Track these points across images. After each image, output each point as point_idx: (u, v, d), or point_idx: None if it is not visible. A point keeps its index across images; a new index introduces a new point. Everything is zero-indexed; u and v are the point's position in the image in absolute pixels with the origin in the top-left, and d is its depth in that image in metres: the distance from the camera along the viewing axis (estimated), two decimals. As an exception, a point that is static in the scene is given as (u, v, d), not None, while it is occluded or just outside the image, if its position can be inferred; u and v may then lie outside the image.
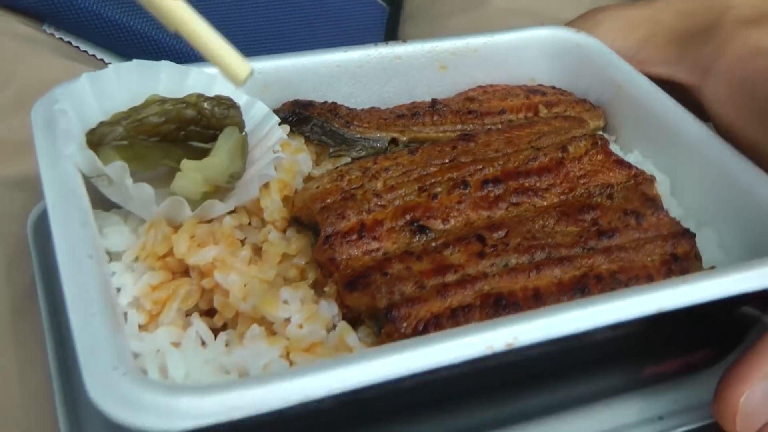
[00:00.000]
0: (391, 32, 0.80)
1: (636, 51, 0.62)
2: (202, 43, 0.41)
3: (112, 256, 0.48)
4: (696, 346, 0.47)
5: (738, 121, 0.55)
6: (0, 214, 0.57)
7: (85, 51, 0.70)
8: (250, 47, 0.55)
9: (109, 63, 0.69)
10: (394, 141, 0.55)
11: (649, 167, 0.55)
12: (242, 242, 0.49)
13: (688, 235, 0.48)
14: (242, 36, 0.67)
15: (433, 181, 0.50)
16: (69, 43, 0.71)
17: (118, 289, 0.46)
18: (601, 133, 0.59)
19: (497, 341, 0.38)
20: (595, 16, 0.66)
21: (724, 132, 0.57)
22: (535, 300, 0.43)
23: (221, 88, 0.53)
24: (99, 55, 0.69)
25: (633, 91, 0.58)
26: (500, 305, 0.43)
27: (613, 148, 0.58)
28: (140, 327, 0.45)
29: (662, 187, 0.54)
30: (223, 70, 0.41)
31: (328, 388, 0.36)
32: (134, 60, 0.52)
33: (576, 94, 0.61)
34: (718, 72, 0.55)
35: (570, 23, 0.66)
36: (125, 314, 0.45)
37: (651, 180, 0.51)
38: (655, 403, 0.48)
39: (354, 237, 0.46)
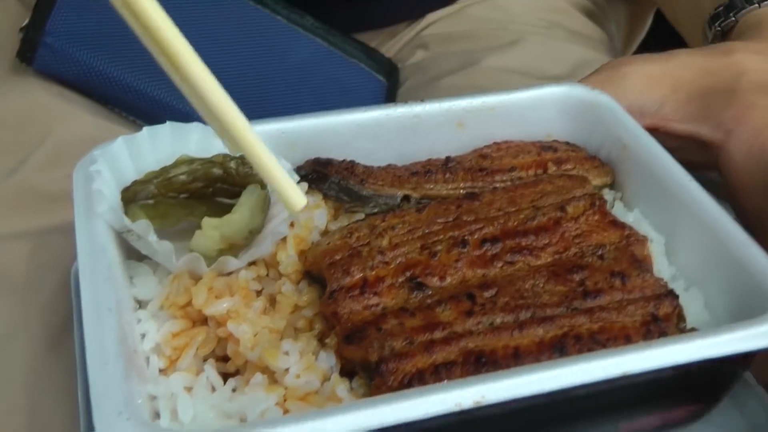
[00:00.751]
0: (391, 102, 0.84)
1: (659, 106, 0.64)
2: (268, 172, 0.44)
3: (141, 303, 0.52)
4: (675, 403, 0.49)
5: (749, 188, 0.57)
6: (43, 260, 0.63)
7: (118, 112, 0.75)
8: (264, 111, 0.59)
9: (140, 122, 0.75)
10: (406, 198, 0.58)
11: (646, 226, 0.57)
12: (259, 292, 0.53)
13: (671, 296, 0.50)
14: (256, 102, 0.72)
15: (435, 239, 0.53)
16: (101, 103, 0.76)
17: (143, 335, 0.50)
18: (608, 190, 0.61)
19: (466, 399, 0.41)
20: (621, 68, 0.68)
21: (735, 194, 0.59)
22: (515, 358, 0.46)
23: (247, 148, 0.57)
24: (131, 117, 0.74)
25: (637, 150, 0.59)
26: (480, 363, 0.45)
27: (618, 205, 0.60)
28: (160, 371, 0.49)
29: (657, 246, 0.55)
30: (283, 199, 0.44)
31: (304, 440, 0.39)
32: (167, 122, 0.56)
33: (589, 150, 0.64)
34: (740, 138, 0.57)
35: (596, 72, 0.69)
36: (147, 359, 0.49)
37: (643, 241, 0.53)
38: None
39: (356, 292, 0.50)
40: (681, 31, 0.87)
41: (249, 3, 0.79)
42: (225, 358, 0.51)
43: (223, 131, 0.42)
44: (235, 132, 0.42)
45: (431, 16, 0.94)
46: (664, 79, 0.65)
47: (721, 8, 0.72)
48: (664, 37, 0.91)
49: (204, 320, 0.51)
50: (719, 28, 0.73)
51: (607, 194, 0.61)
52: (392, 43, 0.95)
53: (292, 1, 0.83)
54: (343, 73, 0.68)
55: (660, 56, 0.66)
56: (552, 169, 0.61)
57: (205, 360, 0.50)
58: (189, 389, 0.48)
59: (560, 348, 0.47)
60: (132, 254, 0.54)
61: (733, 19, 0.71)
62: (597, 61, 0.87)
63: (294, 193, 0.44)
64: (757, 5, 0.71)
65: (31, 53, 0.73)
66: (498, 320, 0.48)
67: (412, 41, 0.93)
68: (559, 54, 0.88)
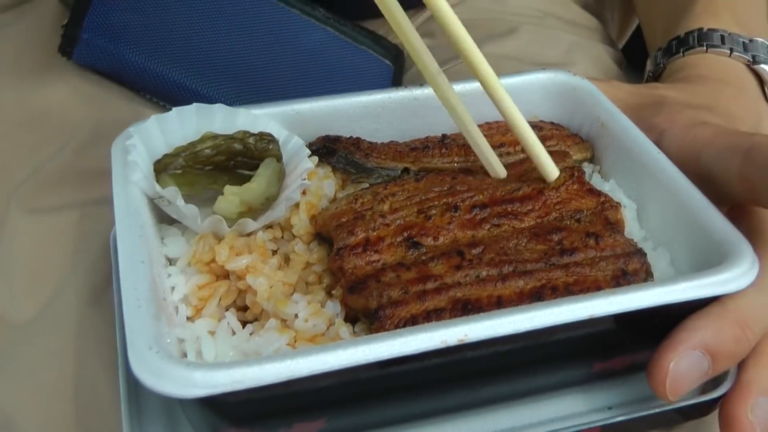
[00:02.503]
0: (396, 86, 0.87)
1: None
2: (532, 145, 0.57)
3: (171, 260, 0.56)
4: (640, 347, 0.52)
5: None
6: (87, 228, 0.67)
7: (149, 98, 0.79)
8: (279, 94, 0.62)
9: (169, 107, 0.79)
10: (406, 170, 0.61)
11: (620, 194, 0.60)
12: (275, 252, 0.57)
13: (640, 254, 0.53)
14: (273, 86, 0.75)
15: (430, 205, 0.56)
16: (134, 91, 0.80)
17: (173, 288, 0.53)
18: (587, 163, 0.64)
19: (451, 337, 0.44)
20: None
21: None
22: (497, 306, 0.49)
23: (264, 125, 0.60)
24: (161, 102, 0.78)
25: (613, 127, 0.62)
26: (466, 309, 0.49)
27: (595, 177, 0.63)
28: (188, 318, 0.53)
29: (629, 212, 0.59)
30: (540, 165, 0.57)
31: (310, 369, 0.42)
32: (194, 104, 0.60)
33: (571, 129, 0.66)
34: (673, 135, 0.60)
35: None
36: (177, 308, 0.53)
37: (616, 207, 0.56)
38: (605, 395, 0.53)
39: (360, 250, 0.53)
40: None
41: (266, -1, 0.83)
42: (244, 308, 0.54)
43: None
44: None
45: None
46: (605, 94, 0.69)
47: (674, 41, 0.76)
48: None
49: (226, 274, 0.54)
50: (660, 64, 0.77)
51: (587, 167, 0.64)
52: None
53: None
54: (353, 59, 0.70)
55: (602, 81, 0.70)
56: (537, 145, 0.64)
57: (226, 309, 0.54)
58: (212, 333, 0.51)
59: (538, 297, 0.49)
60: (163, 219, 0.57)
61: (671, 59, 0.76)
62: (589, 47, 0.91)
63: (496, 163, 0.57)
64: (681, 54, 0.75)
65: (71, 48, 0.76)
66: (483, 273, 0.51)
67: (419, 29, 0.95)
68: (552, 41, 0.90)
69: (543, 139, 0.63)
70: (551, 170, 0.57)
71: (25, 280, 0.66)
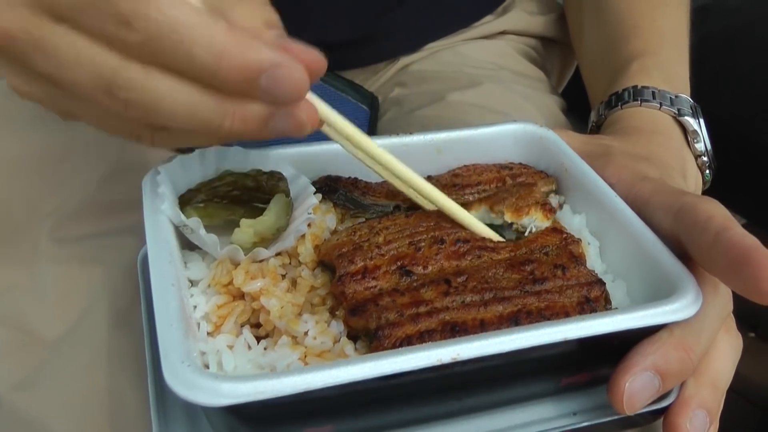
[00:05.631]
0: (372, 128, 0.89)
1: None
2: (460, 216, 0.58)
3: (193, 282, 0.57)
4: (601, 364, 0.54)
5: None
6: (111, 254, 0.68)
7: None
8: (280, 139, 0.63)
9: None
10: (397, 207, 0.63)
11: (586, 233, 0.62)
12: (283, 276, 0.58)
13: (600, 283, 0.55)
14: None
15: (419, 238, 0.57)
16: None
17: (195, 306, 0.54)
18: (553, 195, 0.66)
19: (445, 355, 0.46)
20: None
21: None
22: (481, 327, 0.50)
23: (274, 165, 0.61)
24: None
25: (575, 173, 0.64)
26: (454, 331, 0.50)
27: (566, 208, 0.65)
28: (208, 333, 0.53)
29: (593, 248, 0.60)
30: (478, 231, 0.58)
31: (324, 382, 0.44)
32: (213, 146, 0.61)
33: (537, 171, 0.68)
34: (620, 189, 0.62)
35: None
36: (198, 324, 0.54)
37: (578, 242, 0.58)
38: (571, 403, 0.55)
39: (359, 277, 0.54)
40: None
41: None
42: (258, 325, 0.55)
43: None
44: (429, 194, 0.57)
45: (406, 59, 0.99)
46: None
47: (614, 96, 0.79)
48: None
49: (242, 296, 0.55)
50: (602, 115, 0.80)
51: (553, 198, 0.65)
52: (374, 80, 0.98)
53: None
54: (334, 104, 0.72)
55: (560, 130, 0.72)
56: (509, 182, 0.66)
57: (242, 326, 0.54)
58: (231, 347, 0.52)
59: (516, 320, 0.51)
60: (185, 245, 0.58)
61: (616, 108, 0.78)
62: (537, 97, 0.94)
63: (483, 228, 0.58)
64: (619, 107, 0.77)
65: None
66: (468, 299, 0.52)
67: (392, 79, 0.97)
68: (507, 91, 0.92)
69: (513, 177, 0.65)
70: (491, 235, 0.59)
71: (56, 302, 0.66)
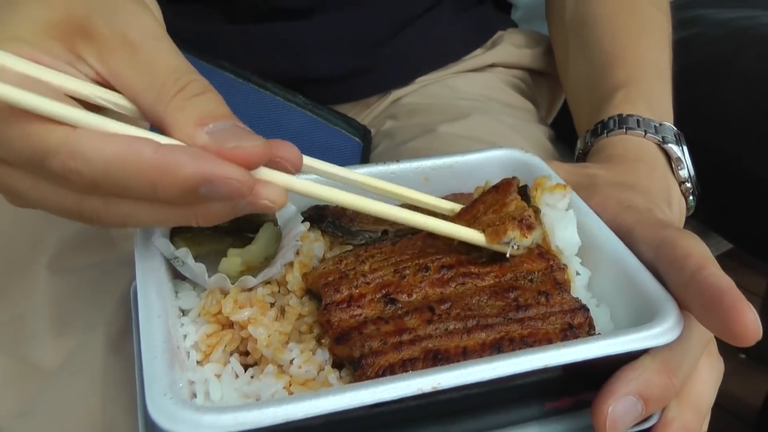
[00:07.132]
0: (365, 160, 0.87)
1: None
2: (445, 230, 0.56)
3: (184, 311, 0.55)
4: (585, 389, 0.51)
5: None
6: (105, 284, 0.66)
7: None
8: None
9: None
10: (385, 231, 0.61)
11: (574, 263, 0.59)
12: (272, 304, 0.56)
13: (583, 309, 0.53)
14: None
15: (404, 265, 0.55)
16: None
17: (185, 336, 0.53)
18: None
19: (425, 385, 0.44)
20: None
21: None
22: (464, 355, 0.48)
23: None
24: None
25: (561, 201, 0.62)
26: (437, 359, 0.48)
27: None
28: (197, 362, 0.52)
29: (583, 277, 0.58)
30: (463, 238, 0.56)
31: (304, 413, 0.42)
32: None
33: (523, 199, 0.66)
34: (605, 220, 0.60)
35: None
36: (188, 353, 0.52)
37: (563, 268, 0.56)
38: (556, 426, 0.52)
39: (344, 305, 0.52)
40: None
41: (254, 88, 0.84)
42: (246, 353, 0.53)
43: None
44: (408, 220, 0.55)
45: (397, 93, 0.98)
46: None
47: (599, 124, 0.77)
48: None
49: (230, 324, 0.53)
50: (588, 143, 0.78)
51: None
52: (367, 113, 0.98)
53: (289, 85, 0.87)
54: (328, 137, 0.71)
55: (547, 161, 0.70)
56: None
57: (230, 354, 0.53)
58: (218, 376, 0.50)
59: (498, 348, 0.49)
60: (177, 275, 0.56)
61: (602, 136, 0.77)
62: (524, 128, 0.92)
63: (466, 233, 0.55)
64: (605, 135, 0.76)
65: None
66: (451, 326, 0.50)
67: (383, 112, 0.97)
68: (495, 122, 0.91)
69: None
70: (474, 237, 0.56)
71: (51, 332, 0.65)
